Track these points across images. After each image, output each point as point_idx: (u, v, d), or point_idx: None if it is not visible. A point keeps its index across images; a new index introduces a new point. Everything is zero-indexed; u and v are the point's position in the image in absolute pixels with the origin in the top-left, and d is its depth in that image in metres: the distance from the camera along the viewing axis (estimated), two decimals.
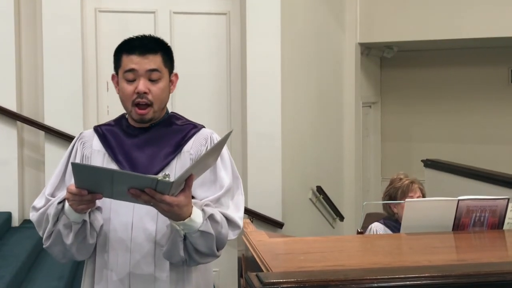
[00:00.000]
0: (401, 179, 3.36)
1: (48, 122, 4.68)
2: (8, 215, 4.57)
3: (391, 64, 7.18)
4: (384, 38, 6.22)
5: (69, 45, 4.70)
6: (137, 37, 1.99)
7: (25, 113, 4.77)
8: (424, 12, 5.93)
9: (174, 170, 1.95)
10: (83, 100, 4.78)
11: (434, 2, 5.89)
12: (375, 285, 1.77)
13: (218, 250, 1.88)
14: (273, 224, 4.99)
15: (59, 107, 4.69)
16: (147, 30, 2.14)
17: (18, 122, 4.69)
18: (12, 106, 4.63)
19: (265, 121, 5.03)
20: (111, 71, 2.04)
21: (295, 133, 5.39)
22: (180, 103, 4.79)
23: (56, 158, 4.56)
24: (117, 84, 2.01)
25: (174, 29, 5.04)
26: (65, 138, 4.57)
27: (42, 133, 4.74)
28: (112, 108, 4.83)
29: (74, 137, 2.10)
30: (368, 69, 6.81)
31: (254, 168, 4.98)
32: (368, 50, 6.62)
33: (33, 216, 1.97)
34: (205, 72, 5.12)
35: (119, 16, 4.96)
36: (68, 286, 3.93)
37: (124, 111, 2.05)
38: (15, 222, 4.63)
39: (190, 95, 5.01)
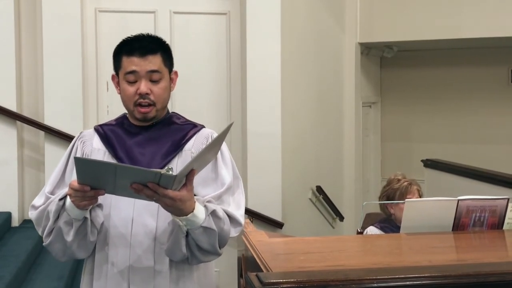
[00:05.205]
0: (399, 180, 3.33)
1: (48, 122, 4.68)
2: (8, 215, 4.57)
3: (391, 64, 7.18)
4: (384, 38, 6.22)
5: (69, 45, 4.71)
6: (135, 37, 1.99)
7: (25, 113, 4.77)
8: (424, 12, 5.92)
9: (175, 168, 1.94)
10: (83, 100, 4.78)
11: (434, 2, 5.89)
12: (375, 285, 1.77)
13: (220, 247, 1.88)
14: (273, 224, 4.99)
15: (59, 107, 4.69)
16: (147, 30, 2.13)
17: (18, 122, 4.69)
18: (12, 106, 4.64)
19: (265, 121, 5.02)
20: (111, 71, 2.04)
21: (295, 133, 5.39)
22: (180, 103, 4.79)
23: (56, 158, 4.54)
24: (117, 84, 2.02)
25: (174, 29, 5.04)
26: (65, 138, 4.57)
27: (42, 133, 4.74)
28: (112, 108, 4.83)
29: (74, 137, 2.10)
30: (368, 69, 6.80)
31: (254, 168, 4.98)
32: (368, 50, 6.61)
33: (32, 214, 1.97)
34: (205, 72, 5.12)
35: (119, 16, 4.96)
36: (68, 286, 3.93)
37: (124, 110, 2.05)
38: (15, 222, 4.63)
39: (190, 95, 5.01)
